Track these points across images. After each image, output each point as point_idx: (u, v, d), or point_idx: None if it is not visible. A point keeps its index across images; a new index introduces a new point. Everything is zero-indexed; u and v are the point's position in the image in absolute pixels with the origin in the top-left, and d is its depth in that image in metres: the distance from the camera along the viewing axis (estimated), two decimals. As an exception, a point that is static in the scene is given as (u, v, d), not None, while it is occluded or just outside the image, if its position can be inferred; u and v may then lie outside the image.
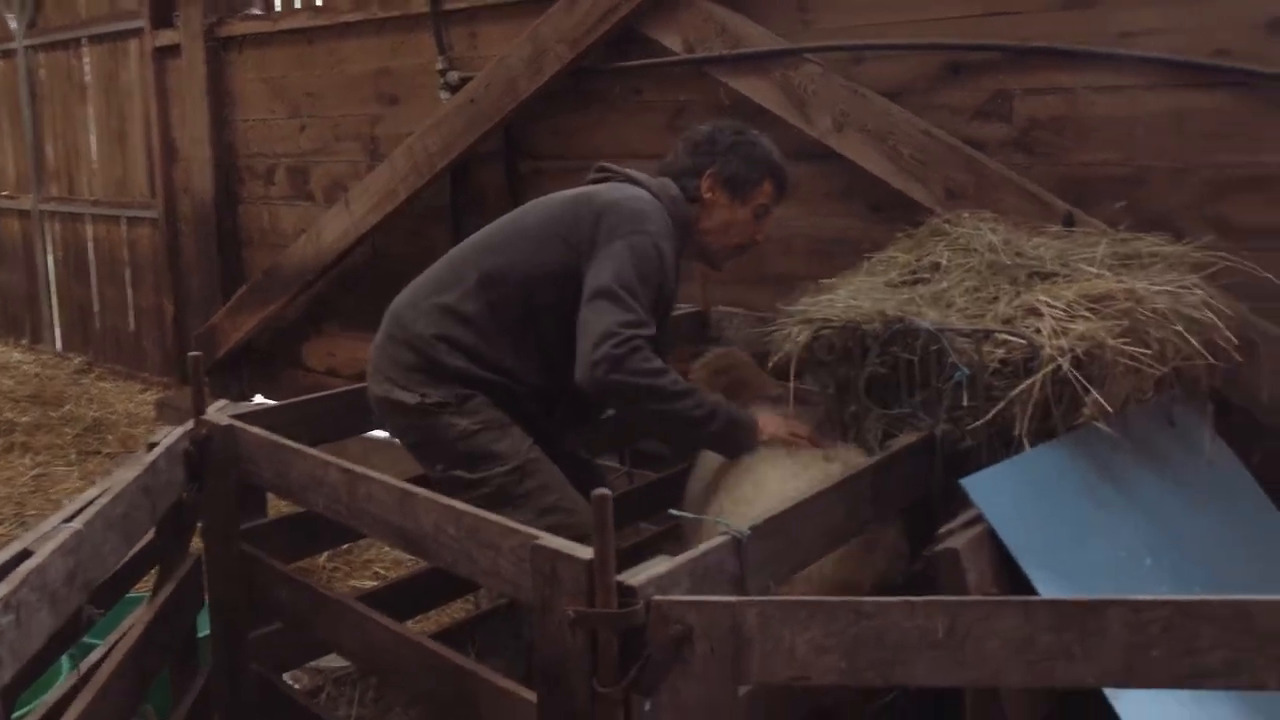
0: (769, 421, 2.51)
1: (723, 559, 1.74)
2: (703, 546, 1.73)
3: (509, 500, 2.43)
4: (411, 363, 2.52)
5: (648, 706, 1.58)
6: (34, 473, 5.36)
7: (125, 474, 2.04)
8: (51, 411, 6.29)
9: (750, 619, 1.53)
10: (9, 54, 7.79)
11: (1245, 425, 2.61)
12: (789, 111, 3.48)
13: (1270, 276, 2.52)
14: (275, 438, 2.22)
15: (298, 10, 5.35)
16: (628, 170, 2.78)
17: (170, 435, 2.27)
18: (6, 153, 8.20)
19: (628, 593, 1.56)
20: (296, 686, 2.95)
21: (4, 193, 8.25)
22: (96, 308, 7.43)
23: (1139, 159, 2.90)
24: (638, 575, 1.59)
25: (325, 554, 3.80)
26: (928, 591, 1.96)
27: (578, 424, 2.81)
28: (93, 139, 7.18)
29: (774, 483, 2.34)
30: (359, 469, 2.03)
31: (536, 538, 1.66)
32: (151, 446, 2.23)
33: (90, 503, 1.89)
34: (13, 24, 7.65)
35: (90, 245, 7.37)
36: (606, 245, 2.47)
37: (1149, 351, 2.16)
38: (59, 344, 7.92)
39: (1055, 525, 2.02)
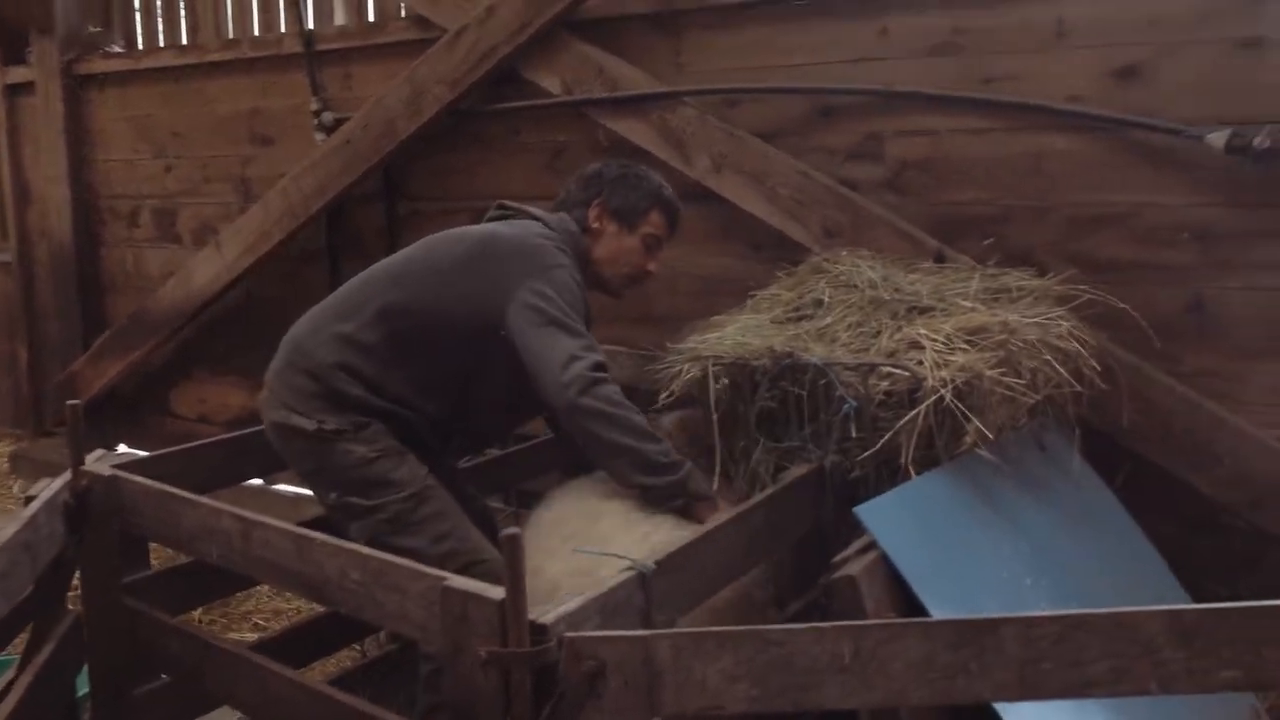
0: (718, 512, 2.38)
1: (630, 594, 1.77)
2: (610, 582, 1.75)
3: (404, 527, 2.42)
4: (311, 390, 2.50)
5: (562, 744, 1.59)
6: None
7: (4, 529, 1.95)
8: (-108, 466, 5.95)
9: (662, 651, 1.55)
10: None
11: (1108, 449, 2.76)
12: (668, 152, 3.56)
13: (1126, 307, 2.68)
14: (163, 487, 2.16)
15: (163, 49, 5.22)
16: (527, 208, 2.82)
17: (49, 487, 2.19)
18: None
19: (539, 631, 1.57)
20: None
21: None
22: (-59, 357, 7.05)
23: (1003, 198, 3.06)
24: (549, 613, 1.60)
25: (200, 608, 3.68)
26: (822, 620, 2.03)
27: (473, 453, 2.84)
28: (-65, 180, 6.83)
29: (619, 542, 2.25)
30: (253, 516, 1.99)
31: (445, 579, 1.65)
32: (29, 500, 2.14)
33: (-33, 561, 1.81)
34: None
35: (-67, 291, 6.99)
36: (527, 281, 2.49)
37: (1022, 381, 2.28)
38: (-103, 395, 7.48)
39: (943, 549, 2.10)
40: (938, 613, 1.96)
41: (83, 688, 2.40)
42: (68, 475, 2.26)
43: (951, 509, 2.20)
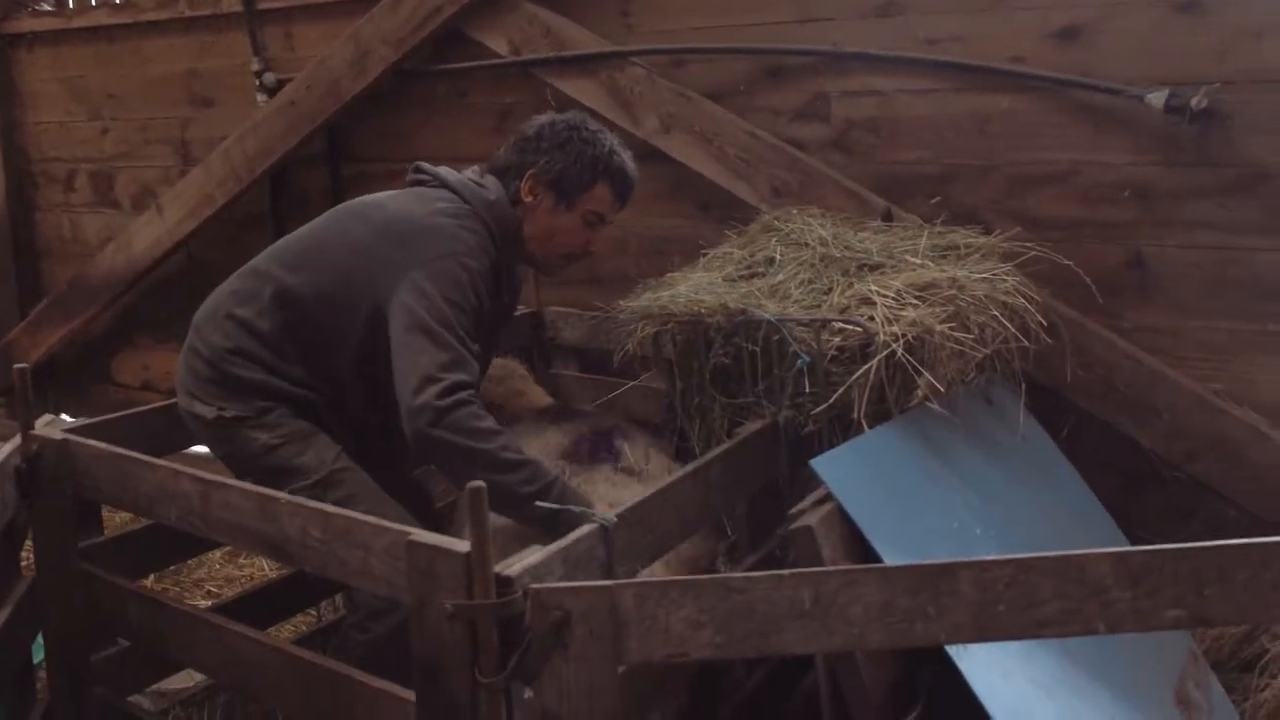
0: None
1: (592, 546, 1.79)
2: (572, 535, 1.78)
3: None
4: (207, 375, 2.42)
5: (528, 694, 1.61)
6: None
7: (-46, 495, 1.93)
8: None
9: (626, 600, 1.58)
10: None
11: (1053, 403, 2.83)
12: (616, 113, 3.55)
13: (1070, 264, 2.75)
14: (120, 450, 2.14)
15: (95, 8, 5.09)
16: (441, 172, 2.58)
17: (-1, 453, 2.16)
18: None
19: (505, 583, 1.59)
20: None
21: None
22: None
23: (948, 157, 3.10)
24: (513, 565, 1.62)
25: (152, 575, 3.65)
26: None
27: (390, 456, 2.63)
28: None
29: None
30: (214, 477, 1.98)
31: (409, 534, 1.67)
32: (-19, 464, 2.11)
33: (-82, 526, 1.78)
34: None
35: None
36: (410, 273, 2.29)
37: (971, 335, 2.33)
38: None
39: (896, 500, 2.15)
40: (893, 561, 2.01)
41: (38, 655, 2.38)
42: (17, 440, 2.23)
43: (904, 461, 2.25)
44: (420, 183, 2.60)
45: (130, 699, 2.42)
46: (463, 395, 2.17)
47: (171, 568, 3.57)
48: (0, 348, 5.51)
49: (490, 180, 2.55)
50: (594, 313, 3.39)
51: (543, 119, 2.61)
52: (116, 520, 3.74)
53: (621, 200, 2.60)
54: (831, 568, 1.66)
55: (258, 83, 4.37)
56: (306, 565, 1.84)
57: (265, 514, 1.88)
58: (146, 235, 4.73)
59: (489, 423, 2.19)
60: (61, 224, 5.42)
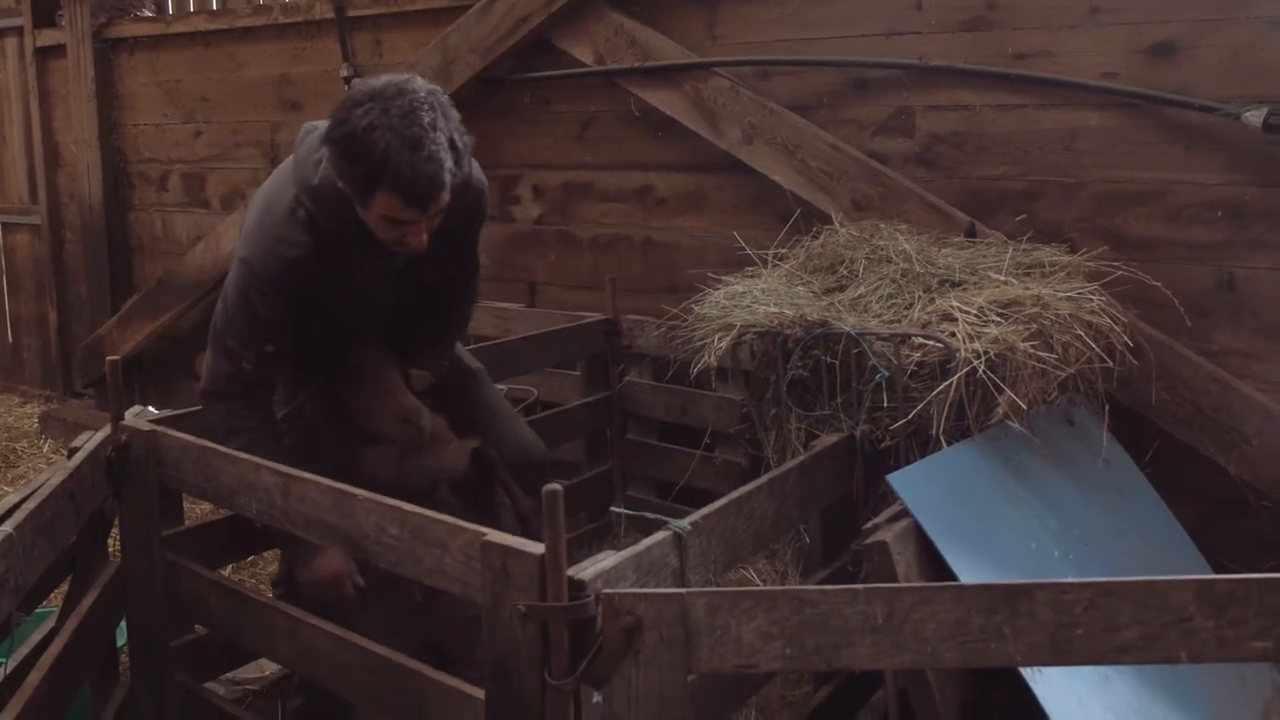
0: (327, 571, 2.34)
1: (665, 553, 1.79)
2: (646, 541, 1.78)
3: None
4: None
5: (597, 698, 1.62)
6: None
7: (50, 479, 1.99)
8: (-89, 420, 6.01)
9: (698, 609, 1.58)
10: (-126, 52, 7.42)
11: (1137, 426, 2.77)
12: (699, 124, 3.57)
13: (1158, 285, 2.69)
14: (204, 443, 2.19)
15: (194, 14, 5.24)
16: (306, 134, 2.41)
17: (91, 441, 2.22)
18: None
19: (577, 586, 1.60)
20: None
21: None
22: (-30, 317, 7.12)
23: (1034, 174, 3.06)
24: (586, 569, 1.63)
25: (231, 565, 3.72)
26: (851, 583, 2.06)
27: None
28: (-36, 142, 6.89)
29: None
30: (294, 471, 2.02)
31: (484, 534, 1.68)
32: (73, 452, 2.18)
33: (16, 507, 1.84)
34: (-120, 20, 7.29)
35: (-35, 252, 7.06)
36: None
37: (1054, 355, 2.29)
38: (-75, 353, 7.56)
39: (973, 519, 2.13)
40: (968, 581, 1.98)
41: (122, 638, 2.44)
42: (107, 429, 2.30)
43: (982, 480, 2.22)
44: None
45: (207, 685, 2.46)
46: (224, 402, 2.37)
47: (250, 559, 3.62)
48: (92, 341, 5.69)
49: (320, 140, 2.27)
50: (671, 321, 3.39)
51: (349, 94, 2.21)
52: (197, 512, 3.83)
53: (416, 201, 2.14)
54: (905, 584, 1.64)
55: (346, 88, 4.45)
56: (382, 562, 1.86)
57: (342, 509, 1.91)
58: (234, 235, 4.81)
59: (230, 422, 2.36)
60: (154, 223, 5.57)
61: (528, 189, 4.19)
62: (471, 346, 3.72)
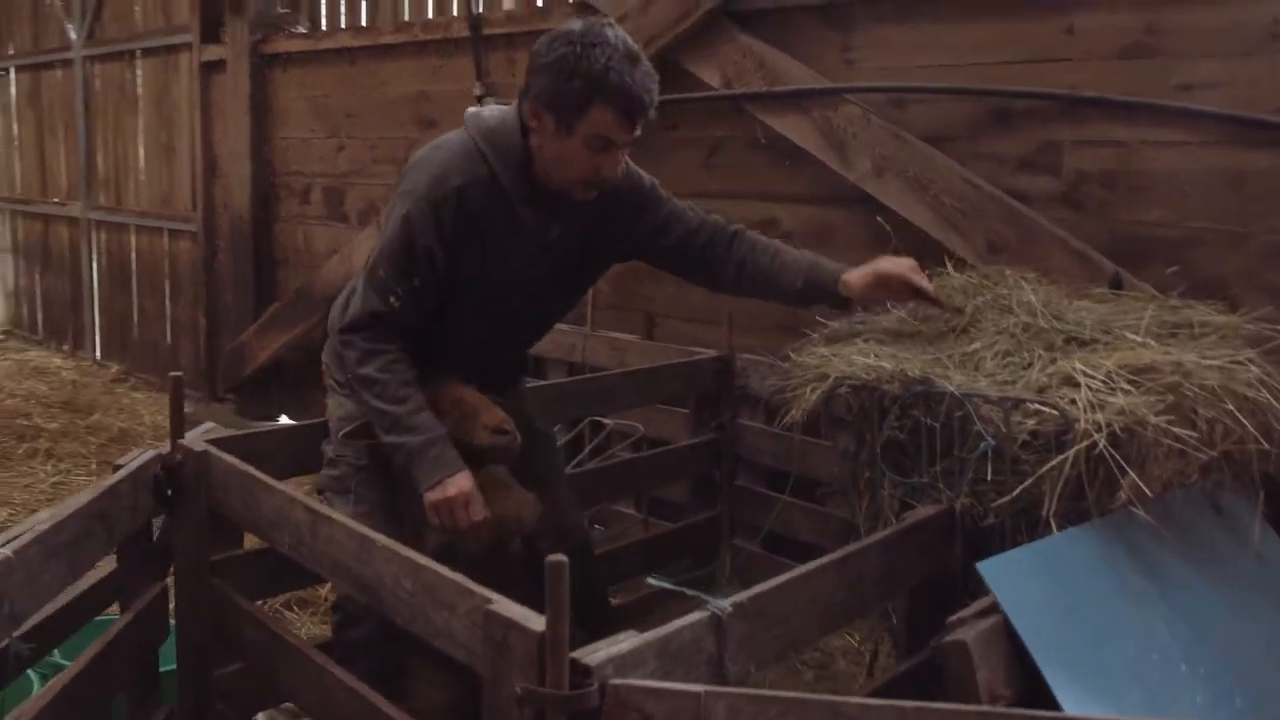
0: (450, 495, 2.26)
1: (699, 638, 1.57)
2: (677, 623, 1.56)
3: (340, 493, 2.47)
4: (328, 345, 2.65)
5: (600, 802, 1.41)
6: (53, 480, 5.29)
7: (80, 497, 1.91)
8: (80, 420, 6.22)
9: (718, 712, 1.36)
10: (67, 64, 7.86)
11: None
12: (827, 153, 3.34)
13: (1334, 354, 2.31)
14: (245, 468, 2.09)
15: (341, 30, 5.30)
16: (488, 105, 2.50)
17: (138, 458, 2.15)
18: (60, 160, 8.27)
19: (583, 672, 1.40)
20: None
21: (55, 199, 8.32)
22: (136, 318, 7.43)
23: (1194, 220, 2.72)
24: (595, 653, 1.43)
25: (286, 594, 3.58)
26: (933, 681, 1.79)
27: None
28: (141, 151, 7.20)
29: None
30: (323, 509, 1.88)
31: (490, 601, 1.50)
32: (118, 469, 2.10)
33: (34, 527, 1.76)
34: (72, 34, 7.72)
35: (134, 256, 7.38)
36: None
37: (1196, 432, 1.96)
38: (98, 352, 7.93)
39: (1080, 620, 1.82)
40: (1066, 696, 1.68)
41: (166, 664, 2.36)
42: (151, 449, 2.23)
43: (1097, 574, 1.90)
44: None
45: (260, 716, 2.37)
46: (373, 346, 2.33)
47: (308, 587, 3.48)
48: (234, 348, 5.81)
49: (502, 108, 2.39)
50: (777, 363, 3.16)
51: (551, 32, 2.29)
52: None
53: (629, 119, 2.21)
54: (965, 707, 1.37)
55: (478, 105, 4.39)
56: (396, 617, 1.70)
57: (362, 555, 1.76)
58: (366, 250, 4.83)
59: (371, 365, 2.32)
60: (296, 235, 5.65)
61: (651, 216, 4.02)
62: (579, 378, 3.59)
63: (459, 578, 1.60)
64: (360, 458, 2.43)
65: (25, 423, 6.05)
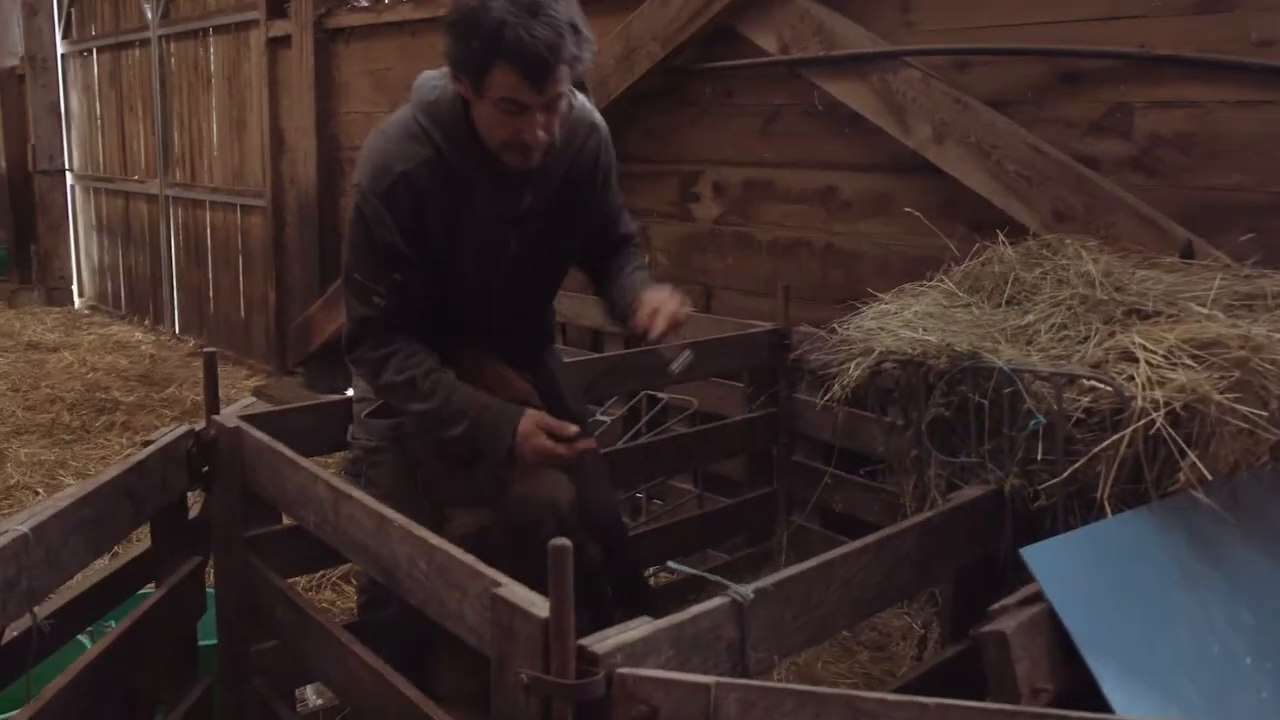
0: (530, 437, 2.17)
1: (718, 625, 1.50)
2: (695, 609, 1.49)
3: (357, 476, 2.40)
4: None
5: (609, 794, 1.35)
6: (127, 453, 5.39)
7: (105, 474, 1.90)
8: (156, 393, 6.35)
9: (729, 705, 1.29)
10: (145, 43, 7.98)
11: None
12: (885, 119, 3.21)
13: None
14: (273, 444, 2.06)
15: (402, 3, 5.27)
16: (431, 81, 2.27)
17: (169, 435, 2.14)
18: (139, 138, 8.42)
19: (589, 660, 1.34)
20: (319, 701, 2.80)
21: (135, 177, 8.48)
22: (212, 292, 7.55)
23: (1274, 184, 2.54)
24: (605, 640, 1.36)
25: (323, 570, 3.55)
26: (978, 671, 1.69)
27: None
28: (214, 127, 7.29)
29: None
30: (344, 487, 1.85)
31: (499, 584, 1.44)
32: (148, 444, 2.09)
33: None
34: (149, 13, 7.83)
35: (209, 231, 7.50)
36: None
37: (1265, 412, 1.83)
38: (177, 326, 8.09)
39: (1132, 610, 1.71)
40: (1114, 690, 1.58)
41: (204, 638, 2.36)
42: (185, 425, 2.22)
43: (1152, 561, 1.79)
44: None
45: (282, 699, 2.35)
46: (378, 351, 2.25)
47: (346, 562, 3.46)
48: (301, 322, 5.85)
49: (445, 74, 2.18)
50: (829, 337, 3.06)
51: None
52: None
53: (532, 80, 1.98)
54: (993, 706, 1.28)
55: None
56: (411, 598, 1.66)
57: (380, 535, 1.72)
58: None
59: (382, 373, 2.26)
60: (360, 209, 5.65)
61: (708, 186, 3.93)
62: (632, 350, 3.52)
63: (470, 559, 1.55)
64: (371, 438, 2.38)
65: (104, 396, 6.19)
